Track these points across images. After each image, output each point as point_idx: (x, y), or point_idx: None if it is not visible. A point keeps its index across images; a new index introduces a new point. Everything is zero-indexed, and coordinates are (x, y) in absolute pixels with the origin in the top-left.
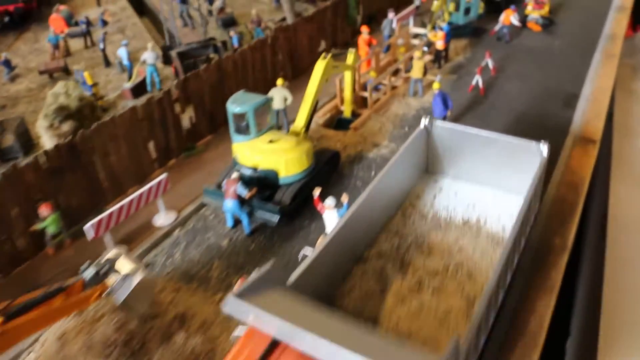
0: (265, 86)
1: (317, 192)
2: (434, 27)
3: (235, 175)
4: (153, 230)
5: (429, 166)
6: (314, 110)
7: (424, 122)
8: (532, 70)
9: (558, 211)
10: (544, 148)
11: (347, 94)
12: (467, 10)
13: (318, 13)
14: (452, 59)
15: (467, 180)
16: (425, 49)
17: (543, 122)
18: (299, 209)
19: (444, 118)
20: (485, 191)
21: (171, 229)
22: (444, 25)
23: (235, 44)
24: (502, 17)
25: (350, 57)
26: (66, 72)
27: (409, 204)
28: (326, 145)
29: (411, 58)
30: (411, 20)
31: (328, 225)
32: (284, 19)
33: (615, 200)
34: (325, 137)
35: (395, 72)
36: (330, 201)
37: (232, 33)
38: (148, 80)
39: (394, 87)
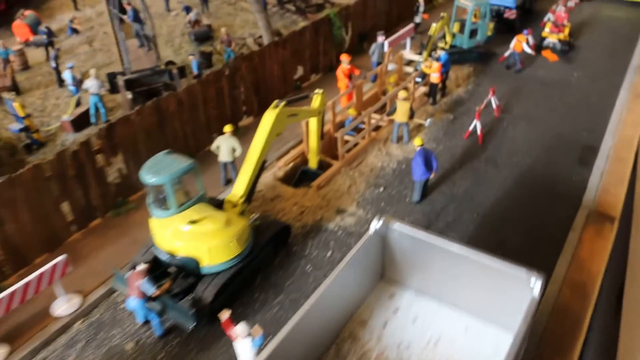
0: (222, 125)
1: (225, 314)
2: (430, 55)
3: (141, 267)
4: (48, 321)
5: (386, 272)
6: (259, 172)
7: (375, 224)
8: (544, 111)
9: (558, 329)
10: (536, 284)
11: (312, 143)
12: (473, 33)
13: (294, 36)
14: (452, 91)
15: (432, 298)
16: (419, 80)
17: (551, 186)
18: (225, 306)
19: (426, 182)
20: (456, 319)
21: (71, 320)
22: (442, 54)
23: (195, 71)
24: (513, 43)
25: (316, 100)
26: (16, 90)
27: (349, 335)
28: (280, 208)
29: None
30: (408, 42)
31: (241, 357)
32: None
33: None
34: (281, 197)
35: (382, 108)
36: (242, 328)
37: (191, 57)
38: (92, 112)
39: (377, 128)
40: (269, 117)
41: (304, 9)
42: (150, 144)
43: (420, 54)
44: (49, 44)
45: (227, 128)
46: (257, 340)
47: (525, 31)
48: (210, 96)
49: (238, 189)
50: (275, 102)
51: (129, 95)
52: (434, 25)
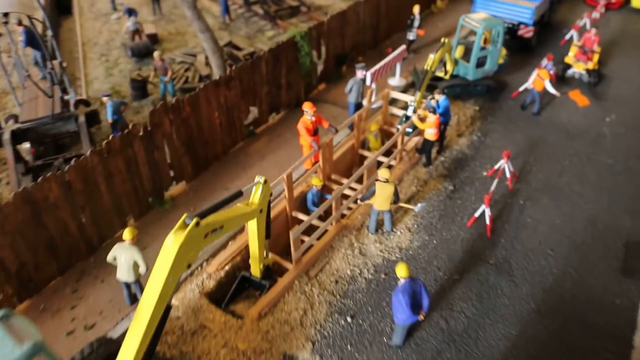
0: (139, 201)
1: None
2: (424, 96)
3: None
4: None
5: None
6: (159, 330)
7: None
8: (571, 179)
9: None
10: None
11: (254, 249)
12: (481, 62)
13: (242, 71)
14: (451, 141)
15: None
16: (409, 131)
17: (585, 313)
18: None
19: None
20: None
21: None
22: (441, 99)
23: (110, 117)
24: (533, 78)
25: (255, 194)
26: None
27: None
28: (201, 351)
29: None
30: (398, 68)
31: None
32: (227, 45)
33: None
34: (206, 329)
35: (359, 179)
36: None
37: (105, 99)
38: None
39: (350, 207)
40: (170, 247)
41: (274, 14)
42: (27, 241)
43: (413, 88)
44: None
45: (127, 234)
46: None
47: (548, 65)
48: (117, 168)
49: None
50: (184, 216)
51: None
52: (431, 56)
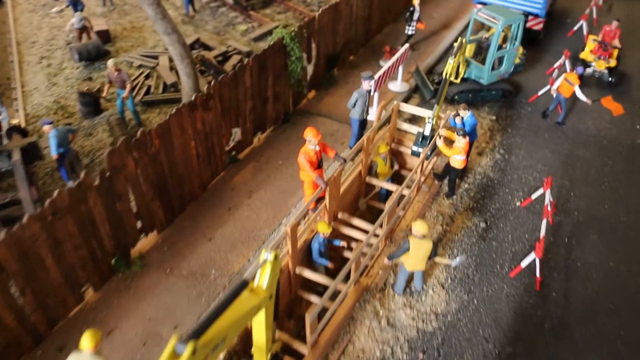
0: (97, 268)
1: None
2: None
3: None
4: None
5: None
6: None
7: None
8: (613, 205)
9: None
10: None
11: (258, 338)
12: (497, 62)
13: (223, 85)
14: (473, 163)
15: None
16: (416, 150)
17: None
18: None
19: None
20: None
21: None
22: (467, 115)
23: (54, 152)
24: (559, 83)
25: (262, 276)
26: None
27: None
28: None
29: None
30: (400, 72)
31: None
32: (194, 44)
33: None
34: None
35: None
36: None
37: (47, 128)
38: None
39: (374, 257)
40: None
41: (245, 4)
42: None
43: (416, 93)
44: None
45: (87, 341)
46: None
47: (579, 68)
48: (67, 232)
49: None
50: (173, 342)
51: None
52: (450, 61)
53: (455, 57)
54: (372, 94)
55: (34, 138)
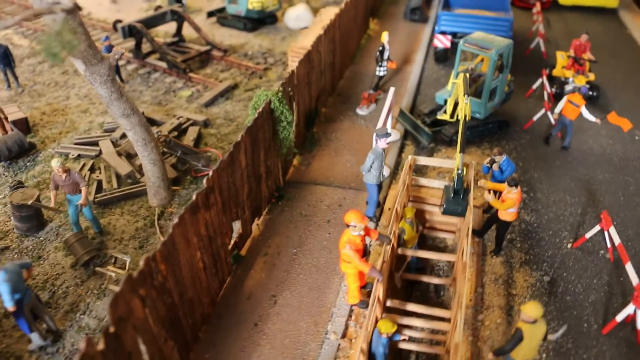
0: None
1: None
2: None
3: None
4: None
5: None
6: None
7: None
8: None
9: None
10: None
11: None
12: (491, 94)
13: (221, 172)
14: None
15: None
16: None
17: None
18: None
19: None
20: None
21: None
22: (502, 159)
23: (9, 303)
24: (563, 105)
25: None
26: None
27: None
28: None
29: None
30: (389, 121)
31: None
32: None
33: None
34: None
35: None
36: None
37: None
38: None
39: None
40: None
41: (184, 67)
42: None
43: (407, 139)
44: None
45: None
46: None
47: (583, 88)
48: None
49: None
50: None
51: None
52: (466, 101)
53: (464, 98)
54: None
55: None
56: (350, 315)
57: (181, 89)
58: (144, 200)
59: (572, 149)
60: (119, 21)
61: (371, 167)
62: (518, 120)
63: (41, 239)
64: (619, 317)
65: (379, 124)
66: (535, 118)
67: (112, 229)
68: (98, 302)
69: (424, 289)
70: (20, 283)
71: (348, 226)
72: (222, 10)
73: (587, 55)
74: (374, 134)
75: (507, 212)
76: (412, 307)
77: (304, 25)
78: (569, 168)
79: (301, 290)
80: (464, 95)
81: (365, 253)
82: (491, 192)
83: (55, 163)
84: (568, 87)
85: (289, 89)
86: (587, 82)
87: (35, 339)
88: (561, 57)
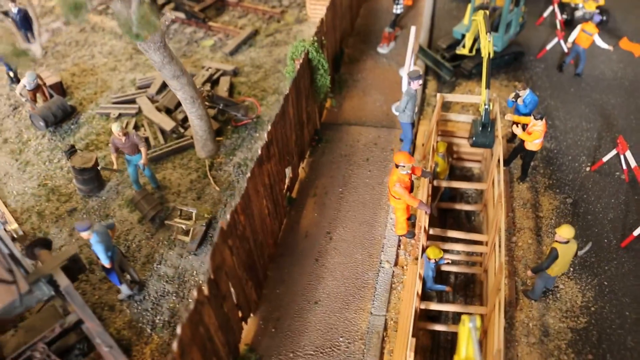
0: None
1: None
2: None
3: None
4: None
5: None
6: None
7: None
8: None
9: None
10: None
11: None
12: (507, 26)
13: (276, 125)
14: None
15: None
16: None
17: None
18: None
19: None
20: None
21: None
22: (526, 93)
23: (106, 261)
24: (576, 34)
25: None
26: None
27: None
28: None
29: None
30: (410, 58)
31: None
32: None
33: None
34: None
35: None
36: None
37: (85, 234)
38: None
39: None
40: None
41: (203, 17)
42: None
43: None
44: None
45: None
46: None
47: (596, 17)
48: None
49: None
50: None
51: None
52: (489, 39)
53: (488, 32)
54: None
55: (72, 250)
56: (399, 245)
57: (203, 39)
58: (192, 153)
59: (584, 75)
60: None
61: (405, 107)
62: (531, 49)
63: (104, 198)
64: (636, 232)
65: (406, 66)
66: (548, 47)
67: (168, 183)
68: (170, 252)
69: (456, 215)
70: (110, 242)
71: (397, 166)
72: None
73: None
74: (403, 75)
75: (534, 144)
76: (452, 233)
77: None
78: (583, 94)
79: (352, 226)
80: (486, 33)
81: (412, 189)
82: (519, 125)
83: (115, 127)
84: (578, 13)
85: (322, 38)
86: (597, 7)
87: (125, 290)
88: None
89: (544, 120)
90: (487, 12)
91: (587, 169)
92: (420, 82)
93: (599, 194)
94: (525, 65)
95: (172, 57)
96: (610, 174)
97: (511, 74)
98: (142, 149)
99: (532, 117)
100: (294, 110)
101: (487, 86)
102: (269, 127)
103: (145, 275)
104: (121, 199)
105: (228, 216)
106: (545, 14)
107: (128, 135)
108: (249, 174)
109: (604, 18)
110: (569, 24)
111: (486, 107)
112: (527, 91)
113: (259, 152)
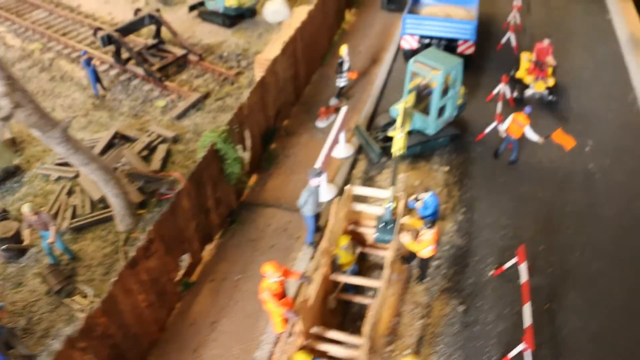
0: None
1: None
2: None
3: None
4: None
5: None
6: None
7: None
8: (583, 252)
9: None
10: None
11: None
12: (441, 109)
13: (162, 224)
14: (439, 233)
15: None
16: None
17: None
18: None
19: None
20: None
21: None
22: (427, 195)
23: None
24: (507, 124)
25: None
26: None
27: None
28: None
29: None
30: (342, 136)
31: None
32: (114, 139)
33: None
34: None
35: None
36: None
37: None
38: None
39: None
40: None
41: (160, 76)
42: None
43: (361, 154)
44: None
45: None
46: None
47: (527, 109)
48: None
49: None
50: None
51: None
52: (399, 136)
53: (402, 127)
54: (321, 174)
55: None
56: (276, 343)
57: (157, 98)
58: (113, 224)
59: (520, 162)
60: (99, 29)
61: (306, 202)
62: (475, 128)
63: (22, 265)
64: (510, 355)
65: (317, 163)
66: (487, 131)
67: (83, 255)
68: (66, 328)
69: (363, 306)
70: None
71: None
72: (203, 3)
73: (550, 60)
74: (308, 174)
75: (425, 252)
76: (331, 334)
77: (282, 19)
78: (512, 185)
79: (238, 317)
80: (400, 126)
81: (285, 294)
82: (408, 233)
83: (25, 208)
84: (528, 92)
85: (235, 127)
86: (547, 88)
87: None
88: (525, 59)
89: (434, 229)
90: (412, 100)
91: (490, 273)
92: (320, 179)
93: (494, 303)
94: (463, 147)
95: (78, 146)
96: (512, 281)
97: (445, 157)
98: (51, 228)
99: (422, 224)
100: (193, 202)
101: (393, 182)
102: (151, 227)
103: (37, 350)
104: (38, 268)
105: (81, 321)
106: (495, 92)
107: (39, 214)
108: (116, 278)
109: (554, 99)
110: (520, 103)
111: (388, 205)
112: (429, 193)
113: (134, 253)
